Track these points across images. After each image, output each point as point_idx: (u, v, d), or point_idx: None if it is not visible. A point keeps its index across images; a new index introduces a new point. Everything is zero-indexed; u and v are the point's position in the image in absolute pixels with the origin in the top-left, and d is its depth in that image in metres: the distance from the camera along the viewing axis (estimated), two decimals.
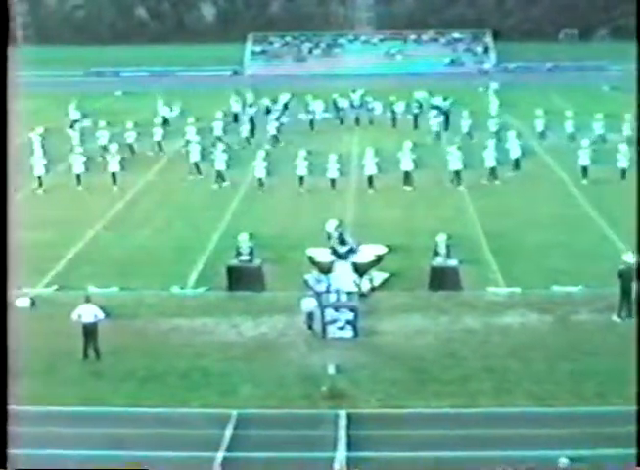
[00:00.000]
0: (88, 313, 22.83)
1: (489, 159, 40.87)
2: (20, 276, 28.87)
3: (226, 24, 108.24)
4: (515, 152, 42.65)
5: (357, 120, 56.77)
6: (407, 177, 40.14)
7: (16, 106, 53.21)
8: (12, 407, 19.19)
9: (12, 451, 17.59)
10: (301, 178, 40.12)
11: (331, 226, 28.00)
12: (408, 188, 39.61)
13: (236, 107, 58.16)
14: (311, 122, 55.75)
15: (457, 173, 40.25)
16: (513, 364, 22.08)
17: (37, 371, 22.03)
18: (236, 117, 56.63)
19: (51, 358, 22.78)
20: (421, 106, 56.49)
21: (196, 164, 43.47)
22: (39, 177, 40.88)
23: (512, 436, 18.52)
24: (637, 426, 18.12)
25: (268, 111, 57.09)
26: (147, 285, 28.04)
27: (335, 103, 58.33)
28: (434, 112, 53.37)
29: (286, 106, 58.61)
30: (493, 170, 40.77)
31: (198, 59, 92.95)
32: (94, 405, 20.25)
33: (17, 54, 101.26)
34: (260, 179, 40.52)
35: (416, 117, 55.18)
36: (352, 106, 58.35)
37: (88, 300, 23.20)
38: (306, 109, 56.84)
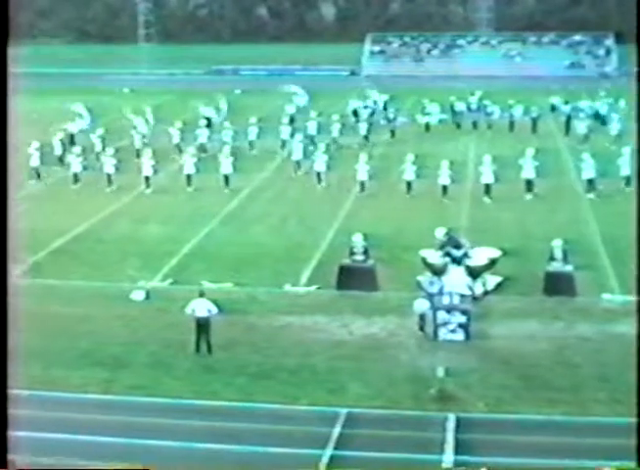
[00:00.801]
0: (201, 308, 23.12)
1: (624, 167, 39.72)
2: (135, 269, 29.57)
3: (345, 24, 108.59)
4: None
5: (474, 124, 56.12)
6: (529, 185, 38.97)
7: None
8: (119, 397, 19.96)
9: (115, 440, 18.18)
10: (409, 183, 39.41)
11: (439, 233, 27.88)
12: (529, 196, 38.68)
13: (356, 105, 58.39)
14: (427, 125, 55.39)
15: (590, 181, 39.02)
16: (628, 374, 21.59)
17: (150, 364, 22.42)
18: (356, 114, 56.81)
19: (164, 351, 23.16)
20: (553, 109, 56.90)
21: (297, 163, 43.76)
22: (147, 177, 41.03)
23: (623, 446, 18.13)
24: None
25: (385, 110, 57.32)
26: (260, 282, 28.32)
27: (452, 106, 57.71)
28: (581, 114, 52.88)
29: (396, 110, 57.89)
30: (628, 179, 39.56)
31: (316, 58, 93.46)
32: (206, 399, 20.50)
33: (137, 52, 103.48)
34: (362, 182, 39.83)
35: (535, 120, 54.48)
36: (469, 109, 57.54)
37: (202, 294, 23.50)
38: (423, 111, 56.40)
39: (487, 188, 38.54)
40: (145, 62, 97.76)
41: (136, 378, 21.54)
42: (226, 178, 40.62)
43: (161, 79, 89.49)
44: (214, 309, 23.18)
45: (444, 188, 38.73)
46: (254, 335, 24.31)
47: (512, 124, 54.85)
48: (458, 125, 56.27)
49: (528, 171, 39.08)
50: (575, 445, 18.27)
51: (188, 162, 41.19)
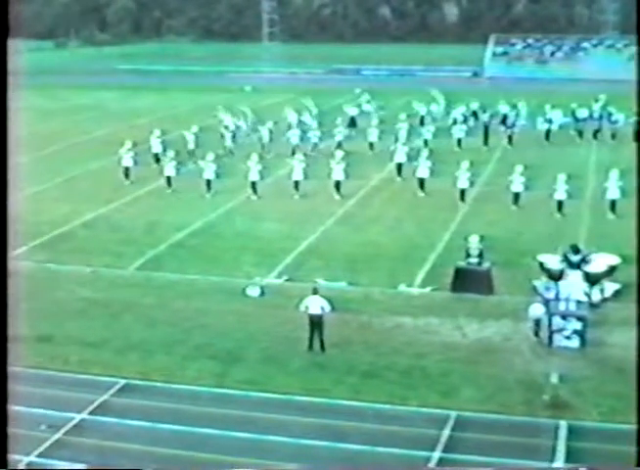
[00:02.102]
0: (315, 305, 23.27)
1: None
2: (251, 266, 29.92)
3: (468, 25, 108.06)
4: None
5: (596, 134, 53.05)
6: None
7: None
8: (231, 391, 20.41)
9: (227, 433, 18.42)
10: (516, 195, 37.44)
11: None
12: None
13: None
14: (547, 132, 52.83)
15: None
16: None
17: (262, 359, 22.66)
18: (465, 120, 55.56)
19: (276, 348, 23.38)
20: None
21: (399, 166, 42.92)
22: (253, 183, 39.97)
23: None
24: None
25: (504, 118, 54.91)
26: (374, 281, 28.38)
27: (574, 113, 54.93)
28: None
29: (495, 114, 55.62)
30: None
31: (438, 59, 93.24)
32: (316, 396, 20.63)
33: (260, 50, 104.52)
34: (463, 190, 38.36)
35: None
36: (592, 117, 54.44)
37: (316, 291, 23.65)
38: (544, 117, 54.24)
39: (613, 204, 36.01)
40: (268, 60, 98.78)
41: (248, 373, 21.80)
42: (337, 184, 39.43)
43: (283, 78, 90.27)
44: (328, 307, 23.29)
45: (560, 203, 36.19)
46: (367, 334, 24.36)
47: (638, 133, 51.23)
48: (580, 134, 53.31)
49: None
50: None
51: (297, 167, 40.10)
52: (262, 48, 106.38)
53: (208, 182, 40.00)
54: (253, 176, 39.70)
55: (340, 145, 48.49)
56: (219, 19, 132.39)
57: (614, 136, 52.28)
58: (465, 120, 53.79)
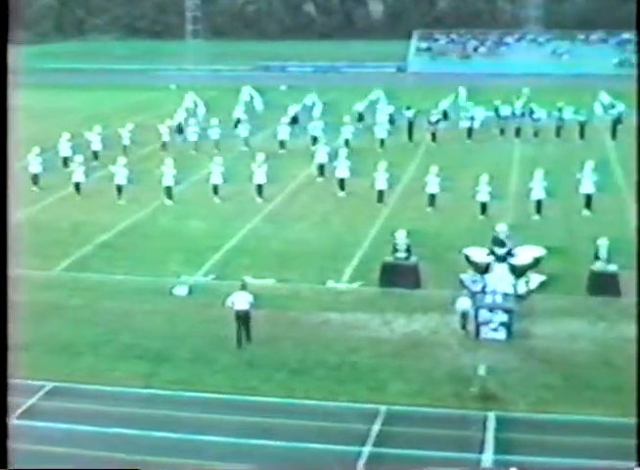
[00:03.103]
0: (242, 300, 23.25)
1: None
2: (178, 265, 29.72)
3: (392, 21, 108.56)
4: None
5: (518, 131, 52.04)
6: (588, 201, 35.80)
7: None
8: (157, 391, 20.28)
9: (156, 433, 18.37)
10: (432, 196, 36.64)
11: (501, 227, 27.90)
12: (587, 212, 35.66)
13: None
14: (469, 130, 51.96)
15: None
16: None
17: (190, 358, 22.54)
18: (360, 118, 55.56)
19: (205, 346, 23.27)
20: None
21: (321, 166, 42.26)
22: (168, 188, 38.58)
23: None
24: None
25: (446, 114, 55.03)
26: (302, 278, 28.36)
27: (496, 110, 54.11)
28: None
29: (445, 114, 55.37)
30: None
31: (363, 55, 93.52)
32: (245, 394, 20.56)
33: (184, 48, 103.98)
34: (381, 191, 37.59)
35: (583, 125, 51.36)
36: (514, 114, 53.75)
37: (244, 287, 23.64)
38: (465, 115, 53.31)
39: (539, 205, 35.48)
40: (192, 58, 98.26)
41: (177, 373, 21.67)
42: (259, 188, 38.40)
43: (208, 75, 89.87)
44: (254, 302, 23.34)
45: (483, 205, 35.39)
46: (296, 331, 24.35)
47: (559, 130, 51.57)
48: (502, 131, 52.53)
49: (587, 186, 35.89)
50: (615, 446, 18.12)
51: (215, 170, 38.81)
52: (186, 46, 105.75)
53: (119, 188, 38.40)
54: (168, 181, 38.33)
55: (283, 144, 48.83)
56: (143, 16, 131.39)
57: (536, 134, 51.83)
58: (391, 121, 53.33)
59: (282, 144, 49.10)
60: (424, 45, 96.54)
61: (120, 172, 38.55)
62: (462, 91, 59.74)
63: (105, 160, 43.31)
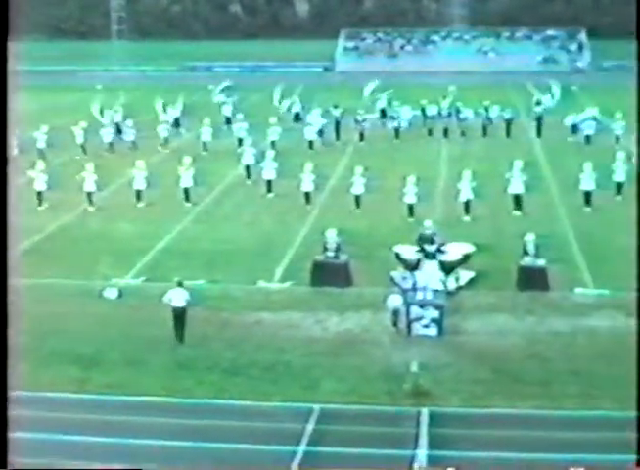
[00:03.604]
0: (179, 297, 23.22)
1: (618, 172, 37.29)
2: (108, 267, 29.46)
3: (319, 20, 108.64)
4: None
5: (446, 131, 51.63)
6: (517, 201, 35.47)
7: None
8: (94, 396, 20.04)
9: (95, 439, 18.13)
10: (357, 197, 36.30)
11: (427, 224, 28.10)
12: (518, 213, 35.33)
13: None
14: (397, 130, 51.47)
15: (587, 193, 35.82)
16: (599, 367, 21.74)
17: (123, 362, 22.36)
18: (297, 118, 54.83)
19: (138, 349, 23.10)
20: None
21: (247, 168, 41.64)
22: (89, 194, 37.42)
23: (596, 439, 18.25)
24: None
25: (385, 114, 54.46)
26: (233, 278, 28.30)
27: (423, 110, 53.84)
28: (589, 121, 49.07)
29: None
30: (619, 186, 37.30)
31: (290, 54, 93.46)
32: (179, 396, 20.46)
33: (110, 49, 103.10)
34: (307, 193, 37.24)
35: (509, 123, 51.58)
36: (440, 114, 53.29)
37: (180, 284, 23.60)
38: (392, 115, 52.97)
39: (467, 205, 35.01)
40: (118, 59, 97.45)
41: (109, 376, 21.48)
42: (186, 191, 37.72)
43: (134, 76, 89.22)
44: (191, 299, 23.46)
45: (410, 207, 34.87)
46: (228, 331, 24.29)
47: (485, 129, 51.80)
48: (430, 132, 52.24)
49: (516, 186, 35.64)
50: (547, 438, 18.36)
51: (137, 176, 37.85)
52: (111, 46, 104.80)
53: (39, 194, 37.18)
54: (89, 187, 37.16)
55: (204, 145, 48.42)
56: (68, 17, 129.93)
57: (463, 133, 51.55)
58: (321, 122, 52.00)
59: (204, 145, 48.58)
60: (351, 44, 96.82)
61: (40, 178, 37.52)
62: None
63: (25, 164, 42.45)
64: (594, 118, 49.73)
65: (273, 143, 46.83)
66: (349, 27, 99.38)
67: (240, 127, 49.18)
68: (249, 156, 41.88)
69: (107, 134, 49.15)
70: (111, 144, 48.79)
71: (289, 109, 56.94)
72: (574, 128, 49.70)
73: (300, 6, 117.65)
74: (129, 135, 49.12)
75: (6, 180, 23.47)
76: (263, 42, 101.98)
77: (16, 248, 31.60)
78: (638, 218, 31.23)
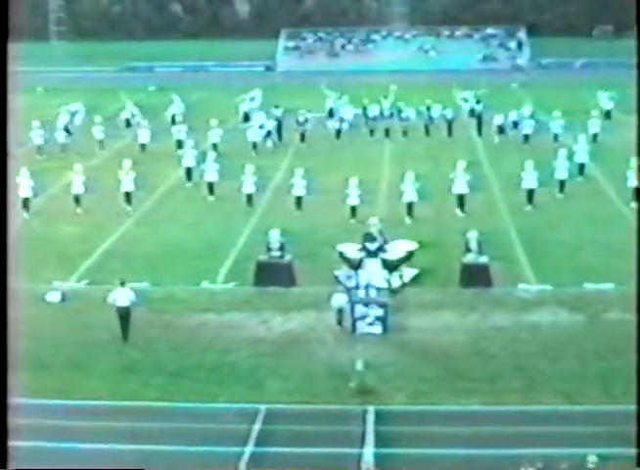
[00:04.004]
0: (123, 297, 23.14)
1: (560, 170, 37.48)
2: (51, 271, 29.18)
3: (260, 20, 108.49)
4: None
5: (387, 132, 51.09)
6: (461, 201, 35.21)
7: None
8: (39, 401, 19.74)
9: (33, 444, 17.98)
10: (299, 198, 35.98)
11: (373, 221, 28.15)
12: (461, 213, 35.08)
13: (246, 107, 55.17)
14: (338, 131, 50.68)
15: (530, 192, 35.90)
16: (542, 362, 21.98)
17: (67, 365, 22.18)
18: (247, 118, 54.04)
19: (82, 352, 22.93)
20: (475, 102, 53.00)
21: (188, 170, 41.00)
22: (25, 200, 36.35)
23: (540, 434, 18.44)
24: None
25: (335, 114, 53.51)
26: (177, 280, 28.17)
27: (365, 110, 53.26)
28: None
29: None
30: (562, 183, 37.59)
31: (231, 54, 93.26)
32: (124, 399, 20.33)
33: (49, 49, 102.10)
34: (249, 195, 36.79)
35: (450, 123, 51.30)
36: (382, 115, 52.60)
37: (123, 283, 23.50)
38: (332, 116, 52.26)
39: (410, 207, 34.48)
40: (57, 60, 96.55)
41: (54, 381, 21.27)
42: (127, 195, 37.02)
43: (74, 77, 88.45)
44: (135, 299, 23.49)
45: (353, 209, 34.48)
46: (172, 333, 24.18)
47: (427, 128, 51.26)
48: (371, 132, 51.56)
49: (460, 186, 35.27)
50: (493, 434, 18.51)
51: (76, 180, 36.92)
52: (51, 47, 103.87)
53: None
54: (24, 192, 36.03)
55: (143, 147, 47.99)
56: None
57: (405, 133, 51.01)
58: (262, 125, 50.57)
59: (143, 148, 47.93)
60: (291, 44, 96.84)
61: None
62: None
63: None
64: (532, 117, 49.86)
65: (214, 145, 46.03)
66: (290, 27, 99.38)
67: (179, 129, 48.37)
68: (189, 158, 41.22)
69: (60, 136, 48.56)
70: (63, 146, 48.17)
71: (236, 108, 56.63)
72: (515, 125, 49.89)
73: (241, 5, 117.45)
74: (60, 137, 48.42)
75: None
76: (204, 42, 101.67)
77: None
78: (638, 219, 31.01)
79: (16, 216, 34.48)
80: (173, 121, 52.74)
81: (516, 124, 49.64)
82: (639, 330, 23.03)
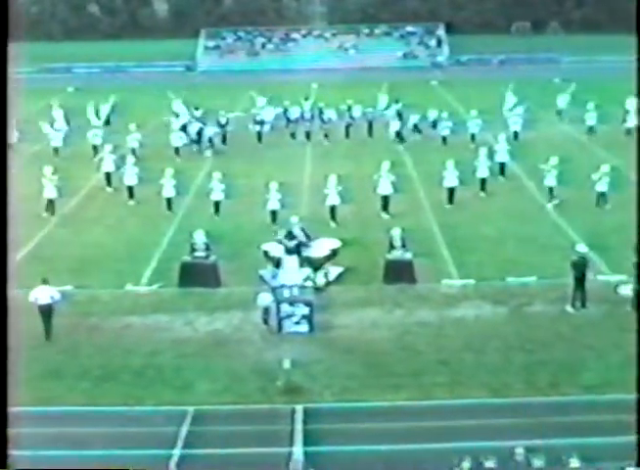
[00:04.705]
0: (44, 295, 22.93)
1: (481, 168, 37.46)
2: None
3: (179, 20, 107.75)
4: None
5: (308, 135, 49.35)
6: (385, 202, 34.68)
7: None
8: None
9: None
10: (217, 203, 35.27)
11: (294, 220, 28.24)
12: (386, 216, 34.29)
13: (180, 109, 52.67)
14: (259, 134, 48.99)
15: (451, 190, 35.87)
16: (467, 356, 22.23)
17: None
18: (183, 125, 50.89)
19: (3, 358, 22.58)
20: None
21: (107, 175, 39.73)
22: None
23: (467, 427, 18.64)
24: (639, 417, 18.24)
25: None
26: (101, 283, 27.90)
27: (285, 112, 51.23)
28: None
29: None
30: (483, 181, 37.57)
31: (151, 54, 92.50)
32: (50, 405, 20.10)
33: None
34: (169, 199, 35.98)
35: (370, 123, 49.89)
36: (303, 117, 50.63)
37: (45, 281, 23.29)
38: (254, 119, 50.11)
39: (333, 210, 33.70)
40: None
41: None
42: (50, 202, 35.96)
43: None
44: (57, 295, 23.37)
45: (273, 213, 33.64)
46: (97, 337, 23.97)
47: (348, 129, 49.55)
48: (293, 136, 49.77)
49: (385, 187, 34.73)
50: (420, 429, 18.66)
51: None
52: None
53: None
54: None
55: (56, 150, 46.85)
56: None
57: (326, 136, 49.22)
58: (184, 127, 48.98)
59: (56, 151, 46.62)
60: (211, 43, 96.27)
61: None
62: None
63: None
64: (449, 118, 48.79)
65: (133, 150, 44.43)
66: (210, 26, 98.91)
67: (95, 134, 46.45)
68: (108, 163, 40.00)
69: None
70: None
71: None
72: (434, 125, 49.43)
73: (159, 5, 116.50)
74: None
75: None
76: (123, 43, 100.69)
77: None
78: (638, 218, 31.32)
79: None
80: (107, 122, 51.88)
81: (434, 124, 49.35)
82: (639, 327, 23.18)
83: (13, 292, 26.64)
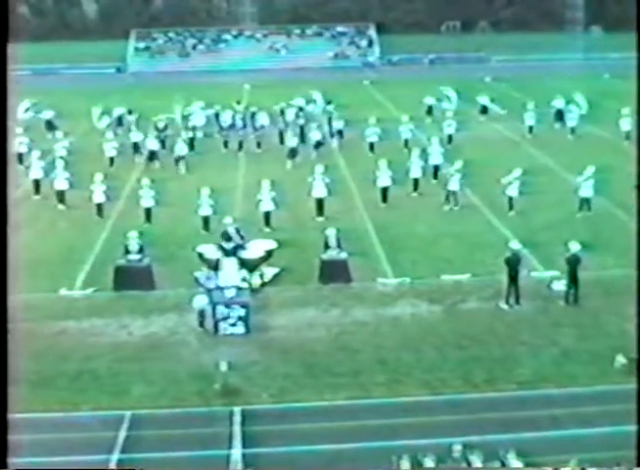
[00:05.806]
0: None
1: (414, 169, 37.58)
2: None
3: (108, 21, 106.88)
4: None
5: (241, 145, 47.47)
6: (320, 204, 34.40)
7: None
8: None
9: None
10: (148, 210, 34.44)
11: (227, 220, 28.11)
12: (321, 218, 33.92)
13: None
14: (191, 140, 46.23)
15: (384, 190, 36.02)
16: (404, 354, 22.33)
17: None
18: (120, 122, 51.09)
19: None
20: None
21: (36, 183, 38.83)
22: None
23: (406, 425, 18.74)
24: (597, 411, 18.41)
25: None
26: (34, 288, 27.49)
27: (217, 117, 49.43)
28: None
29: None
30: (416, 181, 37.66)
31: (81, 56, 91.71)
32: None
33: None
34: (99, 204, 35.29)
35: (302, 128, 48.39)
36: (234, 125, 48.63)
37: None
38: (185, 125, 47.41)
39: (267, 216, 33.22)
40: None
41: None
42: None
43: None
44: None
45: (205, 219, 33.03)
46: (32, 343, 23.58)
47: (282, 134, 47.54)
48: (225, 144, 47.94)
49: (320, 190, 34.46)
50: (360, 428, 18.73)
51: None
52: None
53: None
54: None
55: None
56: None
57: (259, 144, 47.62)
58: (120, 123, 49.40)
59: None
60: (142, 45, 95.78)
61: None
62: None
63: None
64: (376, 124, 47.69)
65: (62, 157, 41.75)
66: (140, 27, 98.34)
67: (20, 142, 44.22)
68: (36, 170, 39.11)
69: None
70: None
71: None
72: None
73: (88, 6, 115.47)
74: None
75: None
76: (53, 44, 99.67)
77: None
78: (638, 219, 31.23)
79: None
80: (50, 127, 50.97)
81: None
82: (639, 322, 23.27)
83: None
